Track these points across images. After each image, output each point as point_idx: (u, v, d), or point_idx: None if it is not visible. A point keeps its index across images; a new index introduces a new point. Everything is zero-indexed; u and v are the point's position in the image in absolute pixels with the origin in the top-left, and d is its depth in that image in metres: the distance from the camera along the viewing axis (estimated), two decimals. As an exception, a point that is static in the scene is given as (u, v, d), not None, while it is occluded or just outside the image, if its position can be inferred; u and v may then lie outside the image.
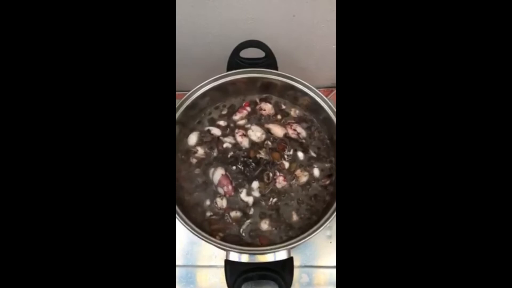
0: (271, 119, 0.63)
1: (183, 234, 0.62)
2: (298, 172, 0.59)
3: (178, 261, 0.65)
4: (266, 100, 0.64)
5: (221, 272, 0.52)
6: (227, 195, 0.57)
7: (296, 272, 0.54)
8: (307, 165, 0.60)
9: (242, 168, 0.58)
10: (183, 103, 0.58)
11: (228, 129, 0.62)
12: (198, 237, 0.50)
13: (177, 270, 0.65)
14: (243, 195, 0.57)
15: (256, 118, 0.63)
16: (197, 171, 0.59)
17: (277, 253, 0.49)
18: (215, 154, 0.60)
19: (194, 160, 0.60)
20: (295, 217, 0.57)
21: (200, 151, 0.60)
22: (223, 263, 0.51)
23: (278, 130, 0.61)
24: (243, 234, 0.55)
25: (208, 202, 0.57)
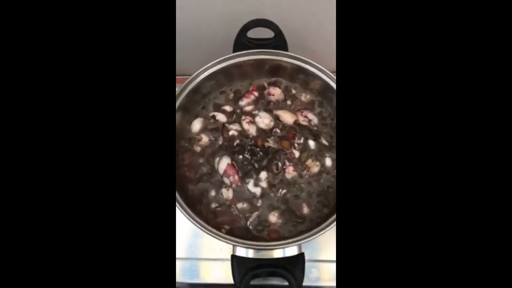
0: (280, 105, 0.59)
1: (187, 226, 0.58)
2: (309, 162, 0.55)
3: (182, 254, 0.63)
4: (275, 84, 0.60)
5: (226, 266, 0.49)
6: (234, 186, 0.54)
7: (305, 266, 0.51)
8: (318, 155, 0.56)
9: (249, 157, 0.54)
10: (185, 87, 0.54)
11: (234, 115, 0.58)
12: (203, 230, 0.47)
13: (180, 263, 0.62)
14: (250, 185, 0.54)
15: (264, 103, 0.59)
16: (201, 160, 0.56)
17: (287, 249, 0.46)
18: (220, 142, 0.56)
19: (198, 148, 0.56)
20: (305, 210, 0.53)
21: (205, 138, 0.57)
22: (228, 256, 0.49)
23: (287, 117, 0.57)
24: (251, 227, 0.52)
25: (213, 193, 0.54)
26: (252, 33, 0.56)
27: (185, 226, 0.59)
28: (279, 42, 0.56)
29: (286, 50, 0.56)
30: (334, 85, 0.54)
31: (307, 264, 0.61)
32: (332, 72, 0.55)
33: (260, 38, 0.56)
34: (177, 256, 0.62)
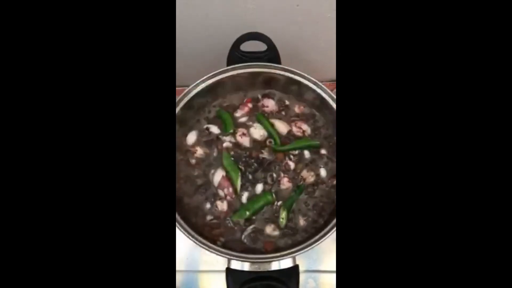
0: (275, 116, 0.59)
1: (183, 238, 0.59)
2: (304, 173, 0.55)
3: (179, 266, 0.63)
4: (268, 96, 0.60)
5: (224, 278, 0.49)
6: (228, 198, 0.54)
7: (302, 277, 0.51)
8: (313, 165, 0.56)
9: (244, 168, 0.55)
10: (181, 100, 0.55)
11: (229, 127, 0.58)
12: (198, 244, 0.47)
13: (179, 275, 0.63)
14: (244, 198, 0.54)
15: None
16: (196, 172, 0.56)
17: (281, 261, 0.46)
18: (215, 154, 0.57)
19: (193, 161, 0.57)
20: (301, 221, 0.54)
21: (200, 151, 0.57)
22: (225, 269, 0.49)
23: (281, 127, 0.58)
24: (246, 239, 0.52)
25: (208, 206, 0.54)
26: (245, 46, 0.57)
27: (181, 239, 0.60)
28: (272, 54, 0.56)
29: (279, 62, 0.56)
30: (326, 96, 0.54)
31: (303, 275, 0.61)
32: (326, 82, 0.55)
33: (253, 51, 0.57)
34: (176, 269, 0.62)
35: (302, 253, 0.47)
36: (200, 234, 0.49)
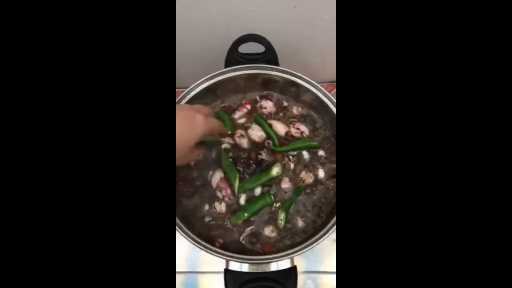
0: (273, 117, 0.60)
1: (182, 240, 0.59)
2: (303, 174, 0.55)
3: (179, 268, 0.63)
4: (266, 97, 0.61)
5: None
6: (226, 199, 0.54)
7: (300, 278, 0.52)
8: (311, 166, 0.57)
9: (242, 170, 0.55)
10: (179, 101, 0.55)
11: (227, 128, 0.59)
12: (196, 246, 0.47)
13: (179, 277, 0.63)
14: (242, 199, 0.54)
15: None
16: (195, 173, 0.56)
17: (280, 262, 0.46)
18: (213, 155, 0.57)
19: (192, 162, 0.57)
20: (300, 222, 0.54)
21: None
22: (224, 270, 0.49)
23: (280, 127, 0.58)
24: (244, 241, 0.53)
25: (207, 207, 0.54)
26: (243, 48, 0.57)
27: (181, 240, 0.60)
28: (270, 56, 0.56)
29: (277, 64, 0.56)
30: (324, 98, 0.55)
31: (302, 276, 0.61)
32: (321, 83, 0.56)
33: (251, 53, 0.57)
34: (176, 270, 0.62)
35: (301, 254, 0.47)
36: (199, 236, 0.49)
